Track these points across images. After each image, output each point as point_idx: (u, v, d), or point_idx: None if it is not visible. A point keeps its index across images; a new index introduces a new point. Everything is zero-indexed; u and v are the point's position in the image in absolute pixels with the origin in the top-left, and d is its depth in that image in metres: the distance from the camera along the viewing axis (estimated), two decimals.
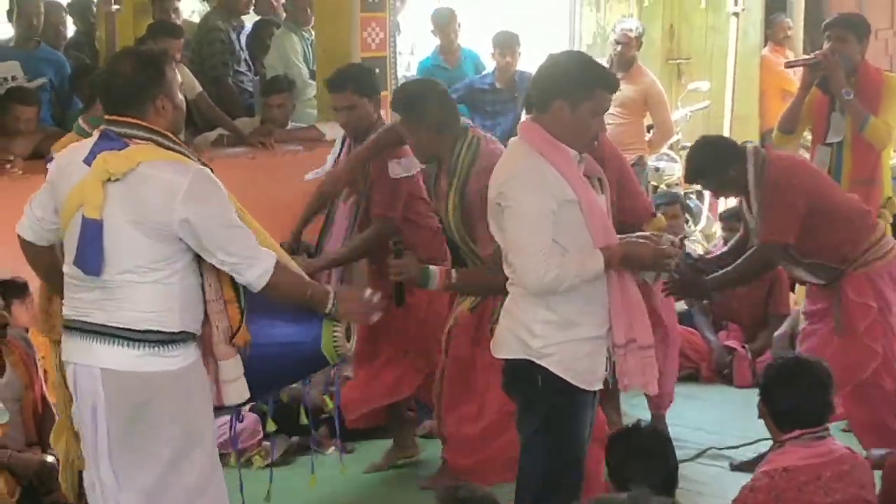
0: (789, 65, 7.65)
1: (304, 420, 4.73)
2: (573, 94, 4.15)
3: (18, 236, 4.23)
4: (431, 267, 5.06)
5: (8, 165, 6.62)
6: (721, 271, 5.72)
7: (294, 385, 5.86)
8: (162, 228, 3.89)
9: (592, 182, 4.30)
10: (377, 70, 7.98)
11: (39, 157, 6.38)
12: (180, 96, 4.10)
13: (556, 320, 4.23)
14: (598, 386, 4.35)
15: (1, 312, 6.00)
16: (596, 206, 4.21)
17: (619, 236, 4.28)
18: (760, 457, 5.94)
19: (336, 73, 5.95)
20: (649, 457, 3.63)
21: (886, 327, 5.60)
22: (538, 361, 4.27)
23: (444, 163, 5.16)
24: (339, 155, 5.99)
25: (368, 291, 4.36)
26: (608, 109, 4.40)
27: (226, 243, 3.95)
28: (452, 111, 5.21)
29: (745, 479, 4.61)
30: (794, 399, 4.09)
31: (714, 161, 5.65)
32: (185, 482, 4.05)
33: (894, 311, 5.67)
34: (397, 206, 5.76)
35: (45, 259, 4.25)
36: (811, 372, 4.16)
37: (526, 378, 4.34)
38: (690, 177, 5.87)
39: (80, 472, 5.04)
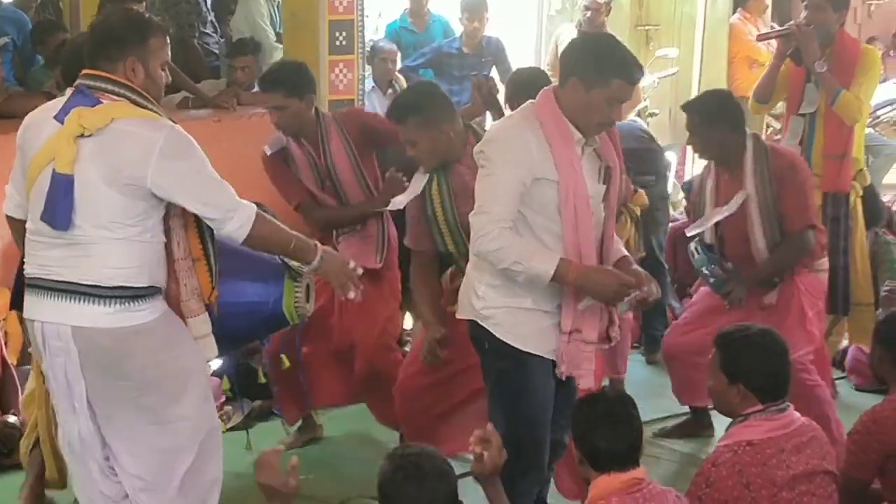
0: (762, 37, 7.60)
1: (261, 379, 4.74)
2: (587, 75, 4.10)
3: (7, 217, 4.22)
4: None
5: None
6: (757, 269, 5.60)
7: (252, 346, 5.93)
8: (135, 184, 3.87)
9: (598, 169, 4.26)
10: (342, 34, 7.95)
11: (2, 117, 6.30)
12: (158, 70, 4.06)
13: (499, 285, 4.25)
14: (551, 354, 4.32)
15: None
16: (578, 194, 4.14)
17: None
18: (686, 424, 6.04)
19: (267, 73, 5.93)
20: (615, 422, 3.62)
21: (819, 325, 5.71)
22: (482, 323, 4.32)
23: (465, 154, 4.93)
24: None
25: (352, 263, 4.36)
26: (629, 99, 4.30)
27: (205, 197, 3.96)
28: (454, 108, 5.09)
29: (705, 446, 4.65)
30: (766, 371, 4.07)
31: (721, 111, 5.58)
32: (179, 426, 4.07)
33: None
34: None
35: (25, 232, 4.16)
36: (774, 343, 4.15)
37: (477, 338, 4.40)
38: (690, 107, 5.72)
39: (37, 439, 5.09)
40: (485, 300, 4.30)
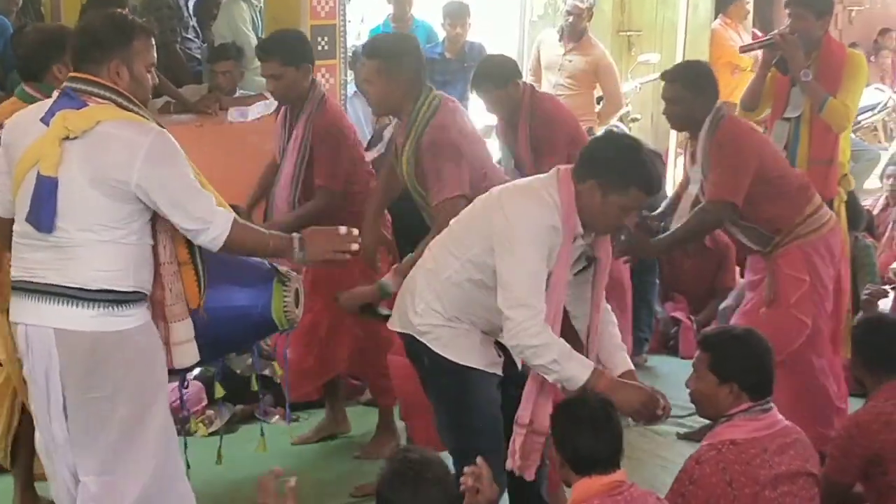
0: (745, 49, 7.55)
1: (254, 387, 4.72)
2: (607, 181, 4.07)
3: None
4: (383, 280, 4.98)
5: None
6: (668, 232, 5.68)
7: (243, 354, 5.92)
8: (120, 188, 3.87)
9: (580, 256, 4.27)
10: (324, 39, 7.95)
11: None
12: (143, 72, 4.06)
13: (439, 311, 4.27)
14: (492, 368, 4.33)
15: None
16: (560, 288, 4.14)
17: None
18: (708, 427, 6.02)
19: (264, 40, 5.97)
20: (595, 426, 3.63)
21: (817, 301, 5.63)
22: (419, 338, 4.32)
23: (404, 117, 5.10)
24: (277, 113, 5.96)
25: (343, 228, 4.28)
26: (641, 209, 4.31)
27: (185, 205, 3.94)
28: (423, 70, 5.14)
29: (690, 448, 4.65)
30: (758, 371, 4.09)
31: (697, 79, 5.62)
32: (143, 440, 4.03)
33: (826, 284, 5.69)
34: (339, 175, 5.74)
35: (7, 231, 4.15)
36: (759, 341, 4.17)
37: (415, 354, 4.40)
38: (670, 76, 5.73)
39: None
40: (422, 318, 4.30)
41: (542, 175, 4.29)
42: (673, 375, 7.14)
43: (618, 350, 4.43)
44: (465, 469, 3.68)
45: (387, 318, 4.67)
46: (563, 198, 4.10)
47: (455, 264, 4.24)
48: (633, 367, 4.44)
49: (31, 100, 4.80)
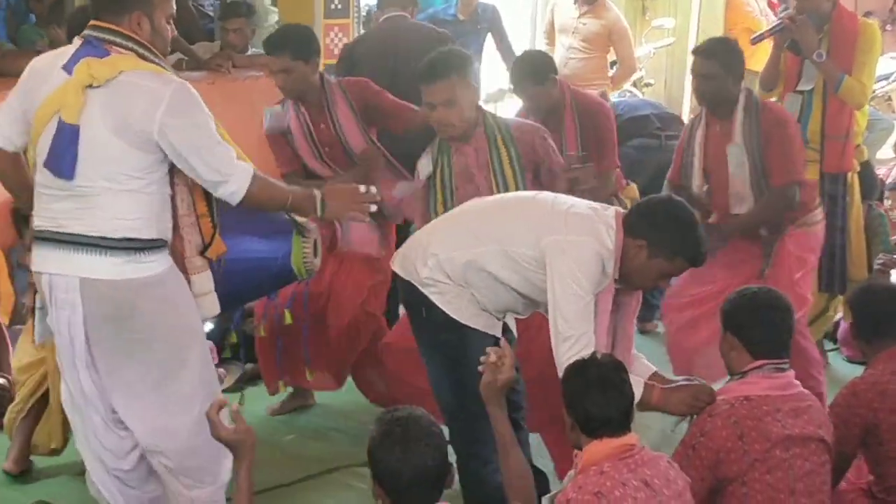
0: (756, 40, 7.48)
1: (232, 339, 4.74)
2: (658, 246, 4.10)
3: None
4: None
5: None
6: (743, 214, 5.65)
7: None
8: (142, 137, 3.89)
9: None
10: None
11: None
12: (164, 23, 4.07)
13: (449, 276, 4.28)
14: (491, 329, 4.35)
15: None
16: (601, 326, 4.18)
17: None
18: None
19: (273, 35, 5.89)
20: (606, 388, 3.61)
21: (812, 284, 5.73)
22: (422, 289, 4.32)
23: (473, 135, 5.04)
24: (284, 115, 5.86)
25: (363, 186, 4.31)
26: (677, 276, 4.37)
27: (205, 156, 3.96)
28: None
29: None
30: (765, 327, 4.09)
31: (732, 56, 5.60)
32: (185, 381, 4.09)
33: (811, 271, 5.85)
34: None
35: (11, 167, 4.18)
36: (777, 300, 4.17)
37: (412, 302, 4.41)
38: (707, 52, 5.67)
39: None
40: (431, 272, 4.30)
41: (599, 207, 4.28)
42: None
43: (636, 359, 4.44)
44: (488, 348, 3.82)
45: None
46: (617, 244, 4.13)
47: (481, 249, 4.25)
48: (654, 368, 4.45)
49: None
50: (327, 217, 4.30)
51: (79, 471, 4.96)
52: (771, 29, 6.55)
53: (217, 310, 4.24)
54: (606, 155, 6.19)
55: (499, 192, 5.02)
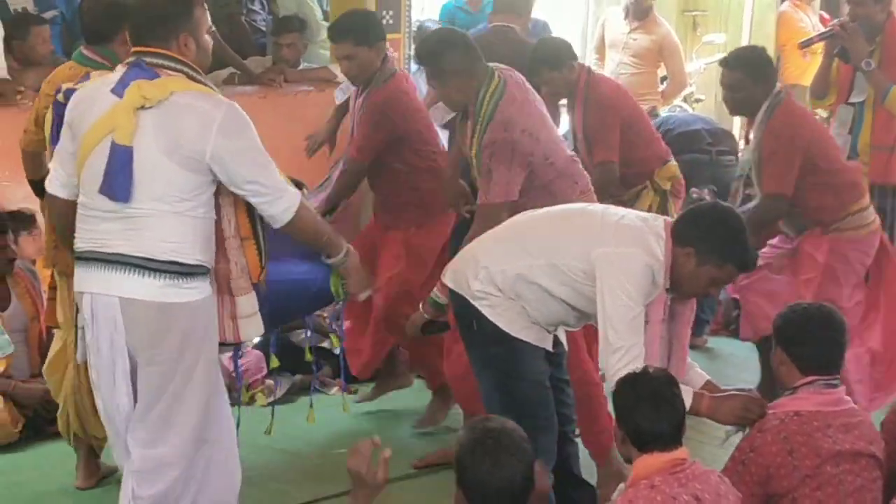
0: (805, 44, 7.47)
1: (308, 357, 4.76)
2: (707, 253, 4.09)
3: (49, 195, 4.23)
4: (433, 295, 4.79)
5: (18, 96, 6.58)
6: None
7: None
8: (193, 158, 3.91)
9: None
10: (389, 13, 7.94)
11: None
12: (206, 38, 4.12)
13: (500, 289, 4.29)
14: (541, 342, 4.36)
15: (10, 246, 6.00)
16: (654, 336, 4.18)
17: None
18: None
19: (337, 21, 5.94)
20: (658, 401, 3.61)
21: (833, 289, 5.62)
22: (472, 302, 4.33)
23: (470, 109, 5.08)
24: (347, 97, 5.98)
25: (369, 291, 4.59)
26: (730, 283, 4.38)
27: (257, 177, 3.99)
28: (474, 58, 5.08)
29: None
30: (814, 343, 4.08)
31: (758, 66, 5.60)
32: (185, 413, 4.06)
33: (841, 284, 5.69)
34: (367, 149, 5.77)
35: (72, 213, 4.15)
36: (829, 317, 4.16)
37: (463, 315, 4.42)
38: (732, 63, 5.70)
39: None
40: (482, 284, 4.31)
41: (650, 217, 4.30)
42: (733, 357, 7.14)
43: (690, 368, 4.42)
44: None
45: (447, 326, 4.78)
46: (667, 252, 4.13)
47: (531, 262, 4.26)
48: (707, 377, 4.43)
49: (90, 64, 4.85)
50: (343, 269, 4.41)
51: None
52: (821, 34, 6.57)
53: (261, 331, 4.27)
54: (598, 147, 6.22)
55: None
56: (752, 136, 5.58)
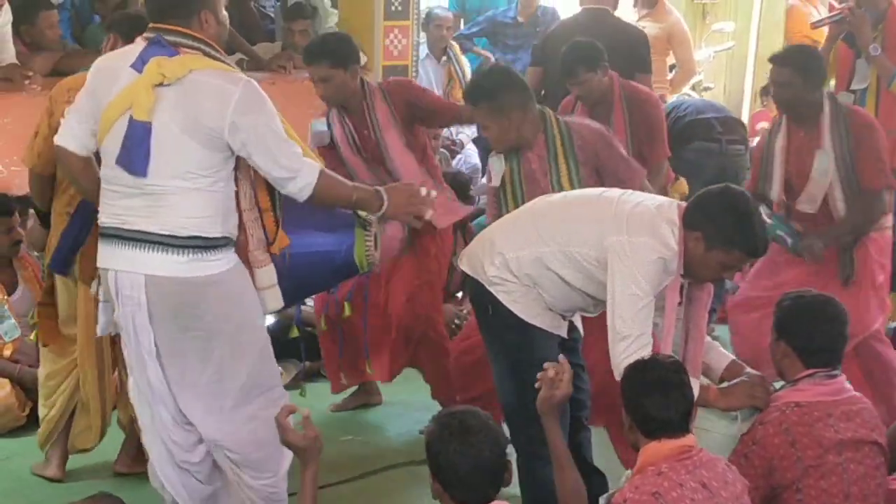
0: (816, 25, 7.48)
1: (294, 333, 4.77)
2: (715, 237, 4.08)
3: (59, 147, 4.21)
4: None
5: (27, 81, 6.58)
6: (834, 226, 5.57)
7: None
8: (212, 135, 3.94)
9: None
10: (397, 0, 7.93)
11: (59, 74, 6.30)
12: (224, 13, 4.15)
13: (516, 275, 4.29)
14: (556, 329, 4.37)
15: (16, 229, 6.01)
16: (669, 321, 4.21)
17: None
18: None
19: (312, 44, 5.94)
20: (667, 389, 3.61)
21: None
22: (488, 287, 4.34)
23: (533, 145, 5.01)
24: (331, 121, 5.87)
25: (423, 189, 4.41)
26: (741, 269, 4.37)
27: (275, 154, 4.01)
28: (530, 96, 5.06)
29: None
30: (819, 336, 4.07)
31: (807, 63, 5.54)
32: (239, 379, 4.13)
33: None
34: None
35: (84, 170, 4.20)
36: (832, 309, 4.14)
37: (479, 301, 4.43)
38: (781, 60, 5.61)
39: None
40: (498, 270, 4.32)
41: (665, 204, 4.27)
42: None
43: (712, 349, 4.43)
44: (546, 364, 3.89)
45: None
46: (679, 239, 4.12)
47: (547, 249, 4.26)
48: (731, 356, 4.45)
49: None
50: (388, 215, 4.35)
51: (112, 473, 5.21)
52: (830, 16, 6.59)
53: (281, 303, 4.28)
54: (657, 146, 6.21)
55: None
56: (824, 140, 5.47)
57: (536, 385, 3.93)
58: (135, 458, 5.22)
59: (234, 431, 4.18)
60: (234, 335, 4.10)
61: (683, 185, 6.66)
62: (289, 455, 4.10)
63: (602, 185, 4.87)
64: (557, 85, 6.59)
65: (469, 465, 3.36)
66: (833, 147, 5.47)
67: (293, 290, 4.32)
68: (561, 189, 4.99)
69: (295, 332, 4.90)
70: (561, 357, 3.99)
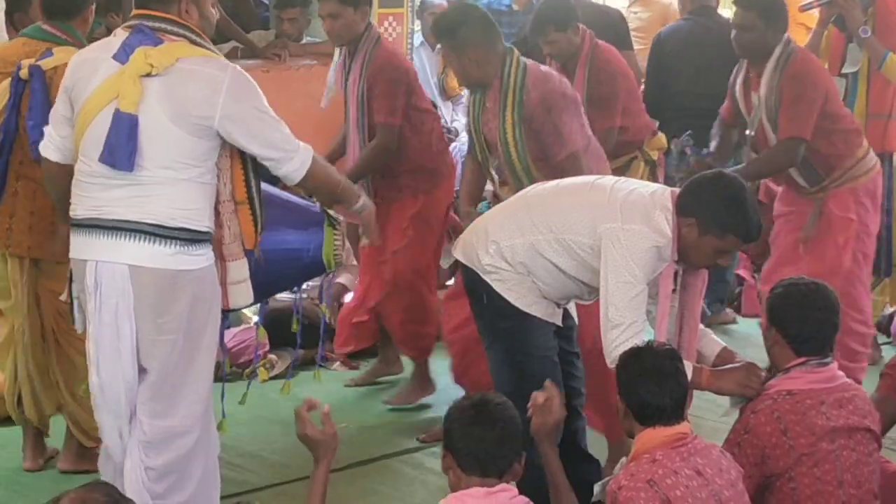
0: (804, 8, 7.50)
1: (294, 328, 4.75)
2: (707, 222, 4.09)
3: (44, 159, 4.20)
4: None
5: None
6: (741, 165, 5.70)
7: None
8: (201, 124, 3.90)
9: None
10: None
11: None
12: (210, 9, 4.11)
13: (510, 263, 4.30)
14: (551, 318, 4.38)
15: None
16: (663, 309, 4.22)
17: None
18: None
19: None
20: (660, 376, 3.61)
21: (860, 244, 5.72)
22: (482, 276, 4.34)
23: (492, 85, 5.10)
24: (336, 66, 6.00)
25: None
26: (735, 252, 4.38)
27: (267, 136, 4.00)
28: (494, 33, 5.14)
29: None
30: (810, 324, 4.06)
31: (772, 7, 5.60)
32: (194, 380, 4.06)
33: (871, 231, 5.81)
34: (397, 109, 5.76)
35: (65, 179, 4.14)
36: (824, 296, 4.13)
37: (473, 289, 4.44)
38: (746, 3, 5.67)
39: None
40: (492, 258, 4.32)
41: (658, 191, 4.27)
42: (736, 332, 7.16)
43: (704, 335, 4.44)
44: (534, 393, 3.89)
45: None
46: (673, 226, 4.13)
47: (541, 236, 4.27)
48: (722, 343, 4.46)
49: (51, 39, 4.87)
50: (360, 215, 4.40)
51: None
52: (820, 0, 6.58)
53: (251, 299, 4.26)
54: (604, 114, 6.24)
55: (504, 151, 5.13)
56: (762, 83, 5.57)
57: (528, 414, 3.89)
58: (78, 453, 5.21)
59: (172, 437, 4.06)
60: (194, 336, 4.02)
61: (662, 139, 6.65)
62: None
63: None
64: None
65: (483, 434, 3.46)
66: (765, 93, 5.56)
67: (261, 286, 4.27)
68: (505, 140, 5.09)
69: (263, 335, 4.89)
70: (547, 382, 3.97)
